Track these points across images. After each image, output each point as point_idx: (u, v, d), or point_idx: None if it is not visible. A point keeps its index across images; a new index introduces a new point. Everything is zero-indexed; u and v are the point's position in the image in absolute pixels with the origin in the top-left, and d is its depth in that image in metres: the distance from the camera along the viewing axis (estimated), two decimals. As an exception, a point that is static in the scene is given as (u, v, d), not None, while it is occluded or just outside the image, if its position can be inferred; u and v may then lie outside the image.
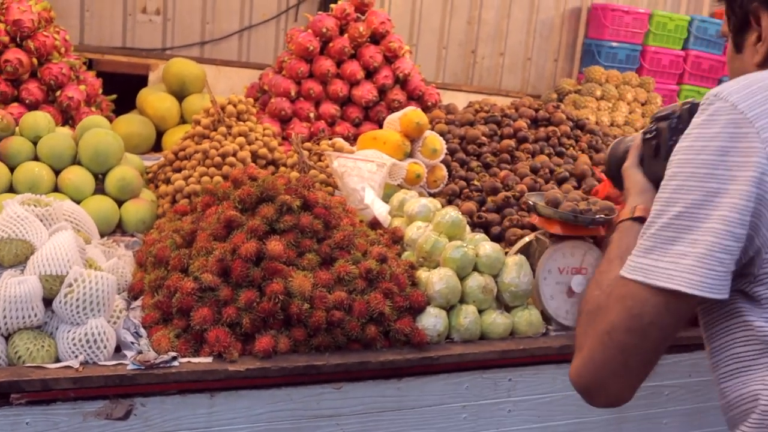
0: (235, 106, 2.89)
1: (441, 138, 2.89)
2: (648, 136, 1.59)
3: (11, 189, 2.41)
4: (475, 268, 2.13)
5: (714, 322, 1.21)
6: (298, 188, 2.05)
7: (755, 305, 1.13)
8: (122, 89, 3.71)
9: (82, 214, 2.23)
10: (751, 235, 1.08)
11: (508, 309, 2.16)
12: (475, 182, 2.80)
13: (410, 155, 2.81)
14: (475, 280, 2.09)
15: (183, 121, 3.53)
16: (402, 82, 3.48)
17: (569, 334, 2.19)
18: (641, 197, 1.54)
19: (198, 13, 4.83)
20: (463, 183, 2.82)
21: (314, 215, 2.02)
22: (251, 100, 3.03)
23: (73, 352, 1.71)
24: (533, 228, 2.39)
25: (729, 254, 1.07)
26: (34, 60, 3.07)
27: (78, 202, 2.38)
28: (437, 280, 2.04)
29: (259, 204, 2.01)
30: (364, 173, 2.53)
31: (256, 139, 2.80)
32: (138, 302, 2.00)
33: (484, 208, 2.66)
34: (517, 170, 2.83)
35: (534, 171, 2.83)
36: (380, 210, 2.41)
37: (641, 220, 1.46)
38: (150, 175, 2.81)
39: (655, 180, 1.59)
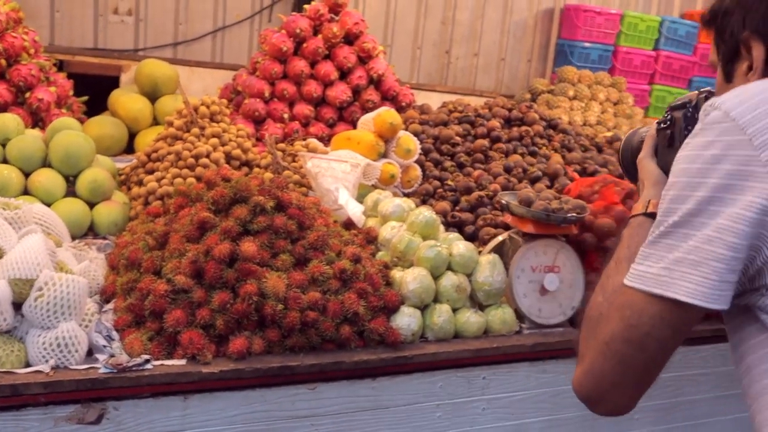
0: (208, 107, 2.88)
1: (415, 138, 2.90)
2: (662, 125, 1.55)
3: (-20, 192, 2.38)
4: (449, 268, 2.14)
5: (742, 340, 1.18)
6: (272, 189, 2.05)
7: None
8: (94, 91, 3.67)
9: (53, 217, 2.20)
10: (756, 245, 1.05)
11: (481, 308, 2.18)
12: (449, 182, 2.81)
13: (384, 155, 2.82)
14: (449, 280, 2.10)
15: (156, 122, 3.50)
16: (376, 82, 3.49)
17: (542, 332, 2.21)
18: (655, 189, 1.50)
19: (171, 14, 4.80)
20: (437, 183, 2.83)
21: (288, 216, 2.02)
22: (225, 101, 3.02)
23: (44, 357, 1.69)
24: (506, 227, 2.40)
25: (724, 263, 1.05)
26: (3, 61, 3.03)
27: (48, 205, 2.35)
28: (411, 279, 2.05)
29: (232, 205, 2.00)
30: (338, 174, 2.53)
31: (230, 140, 2.79)
32: (110, 305, 1.99)
33: (457, 208, 2.68)
34: (491, 170, 2.85)
35: (507, 170, 2.85)
36: (354, 210, 2.42)
37: (654, 215, 1.42)
38: (122, 177, 2.79)
39: (669, 170, 1.61)
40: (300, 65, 3.36)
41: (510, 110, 3.26)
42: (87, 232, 2.47)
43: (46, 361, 1.68)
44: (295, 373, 1.84)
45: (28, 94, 3.05)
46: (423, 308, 2.08)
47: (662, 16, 5.94)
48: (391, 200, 2.41)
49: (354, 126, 3.23)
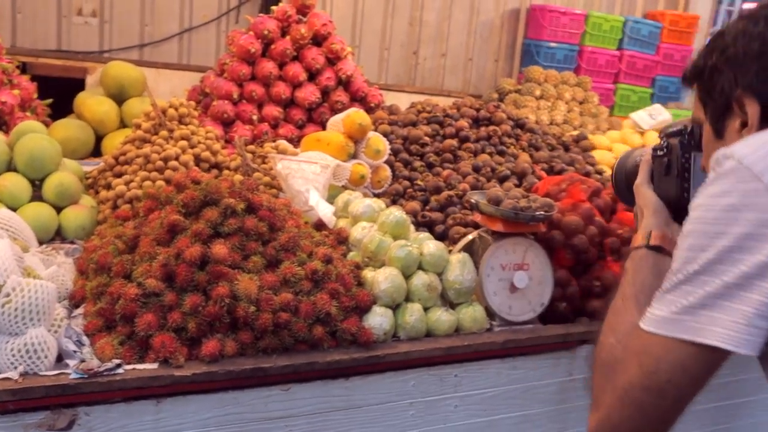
0: (176, 109, 2.86)
1: (384, 139, 2.92)
2: (659, 153, 1.55)
3: (-57, 197, 2.34)
4: (420, 267, 2.16)
5: None
6: (242, 191, 2.05)
7: None
8: (58, 93, 3.61)
9: (19, 222, 2.17)
10: None
11: (452, 306, 2.20)
12: (419, 182, 2.83)
13: (354, 156, 2.83)
14: (420, 279, 2.12)
15: (123, 125, 3.47)
16: (345, 83, 3.49)
17: (513, 329, 2.24)
18: (654, 219, 1.52)
19: (136, 15, 4.75)
20: (406, 183, 2.85)
21: (259, 218, 2.02)
22: (193, 103, 3.01)
23: (12, 364, 1.67)
24: (476, 226, 2.43)
25: (753, 308, 1.04)
26: (-36, 64, 2.98)
27: (14, 210, 2.32)
28: (383, 279, 2.06)
29: (202, 208, 1.99)
30: (309, 175, 2.54)
31: (199, 142, 2.78)
32: (80, 310, 1.97)
33: (427, 208, 2.70)
34: (460, 169, 2.88)
35: (476, 170, 2.88)
36: (325, 211, 2.42)
37: (656, 248, 1.44)
38: (90, 180, 2.76)
39: (667, 198, 1.56)
40: (268, 67, 3.36)
41: (478, 110, 3.29)
42: (54, 236, 2.44)
43: (15, 367, 1.66)
44: (268, 375, 1.84)
45: (-10, 98, 3.00)
46: (395, 308, 2.10)
47: (625, 16, 6.04)
48: (361, 201, 2.42)
49: (323, 127, 3.24)
